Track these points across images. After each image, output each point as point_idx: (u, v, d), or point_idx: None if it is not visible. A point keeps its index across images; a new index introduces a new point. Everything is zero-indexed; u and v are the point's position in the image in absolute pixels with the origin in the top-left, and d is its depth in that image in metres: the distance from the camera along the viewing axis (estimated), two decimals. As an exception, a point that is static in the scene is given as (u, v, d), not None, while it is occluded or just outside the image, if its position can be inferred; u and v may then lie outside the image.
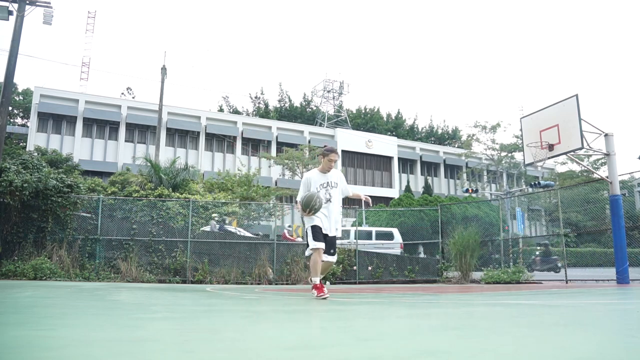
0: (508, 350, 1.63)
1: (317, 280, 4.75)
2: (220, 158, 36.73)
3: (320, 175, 4.96)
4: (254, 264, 12.64)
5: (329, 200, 4.92)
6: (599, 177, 14.27)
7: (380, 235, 16.17)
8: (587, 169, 29.64)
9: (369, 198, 5.30)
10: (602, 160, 29.48)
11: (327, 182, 4.96)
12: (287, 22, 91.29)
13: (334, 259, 5.05)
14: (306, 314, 3.35)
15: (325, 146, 5.19)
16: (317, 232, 4.83)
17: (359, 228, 15.44)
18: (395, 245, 15.49)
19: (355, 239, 14.04)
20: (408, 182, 41.53)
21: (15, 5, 13.98)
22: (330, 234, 4.94)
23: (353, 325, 2.49)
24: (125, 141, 34.12)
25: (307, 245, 4.97)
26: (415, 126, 55.51)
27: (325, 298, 4.58)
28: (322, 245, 4.82)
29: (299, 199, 4.91)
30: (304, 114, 50.38)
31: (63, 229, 11.77)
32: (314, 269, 4.84)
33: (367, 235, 16.20)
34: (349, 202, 14.95)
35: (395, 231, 16.04)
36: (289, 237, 16.47)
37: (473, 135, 39.11)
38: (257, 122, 39.99)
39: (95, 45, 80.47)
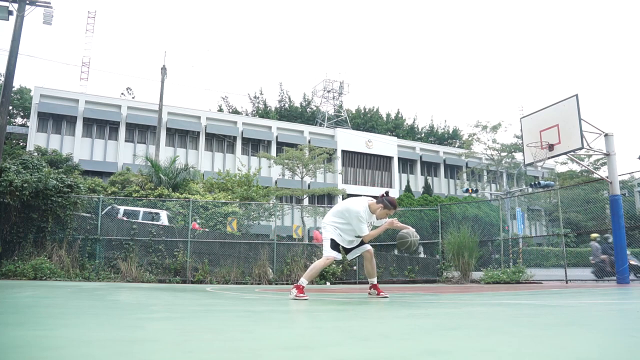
0: (508, 350, 1.63)
1: (305, 282, 4.93)
2: (220, 158, 36.72)
3: (368, 214, 5.14)
4: (254, 264, 12.65)
5: (358, 236, 5.15)
6: (599, 177, 14.28)
7: (148, 216, 15.91)
8: (587, 169, 29.64)
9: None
10: (602, 160, 29.49)
11: (368, 222, 5.22)
12: (287, 22, 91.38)
13: (367, 246, 5.28)
14: (306, 314, 3.35)
15: (387, 194, 5.16)
16: (334, 244, 5.04)
17: (127, 207, 15.06)
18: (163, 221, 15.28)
19: (122, 216, 13.59)
20: (408, 182, 41.51)
21: (15, 5, 13.98)
22: (348, 247, 5.22)
23: (353, 325, 2.48)
24: (125, 141, 34.10)
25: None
26: (415, 126, 55.46)
27: (306, 299, 4.71)
28: (337, 255, 5.04)
29: (363, 232, 4.98)
30: (304, 114, 50.34)
31: (63, 229, 11.77)
32: (310, 273, 5.02)
33: (135, 215, 15.79)
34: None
35: (163, 213, 15.74)
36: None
37: (474, 134, 39.07)
38: (257, 122, 39.97)
39: (95, 45, 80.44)
